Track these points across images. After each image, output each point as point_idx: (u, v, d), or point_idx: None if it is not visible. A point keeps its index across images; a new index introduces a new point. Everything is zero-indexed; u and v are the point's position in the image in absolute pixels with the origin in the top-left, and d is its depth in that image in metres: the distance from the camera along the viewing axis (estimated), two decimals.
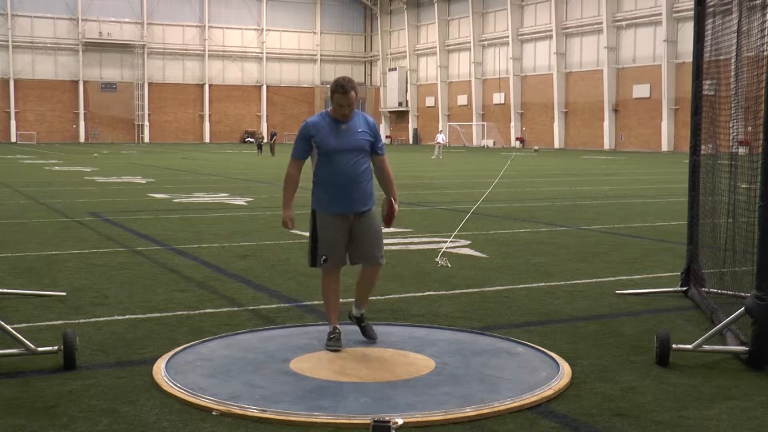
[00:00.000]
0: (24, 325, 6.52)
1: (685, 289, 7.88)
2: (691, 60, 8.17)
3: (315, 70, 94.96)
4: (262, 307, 7.40)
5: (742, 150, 6.98)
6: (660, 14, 63.09)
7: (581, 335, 6.40)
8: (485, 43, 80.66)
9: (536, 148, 68.79)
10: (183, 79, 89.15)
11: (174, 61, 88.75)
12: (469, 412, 4.58)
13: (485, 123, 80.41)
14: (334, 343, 5.85)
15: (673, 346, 5.61)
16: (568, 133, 72.67)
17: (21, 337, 5.51)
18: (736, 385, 5.18)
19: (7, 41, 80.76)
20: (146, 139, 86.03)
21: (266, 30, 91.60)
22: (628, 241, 12.00)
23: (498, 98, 79.06)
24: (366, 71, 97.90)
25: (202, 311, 7.16)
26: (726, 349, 5.82)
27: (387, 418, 4.21)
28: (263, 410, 4.57)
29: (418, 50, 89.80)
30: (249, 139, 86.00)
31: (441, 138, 51.52)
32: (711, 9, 7.61)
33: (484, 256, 10.45)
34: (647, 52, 64.97)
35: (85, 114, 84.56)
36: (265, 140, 55.50)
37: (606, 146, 67.78)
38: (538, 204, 17.99)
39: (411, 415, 4.52)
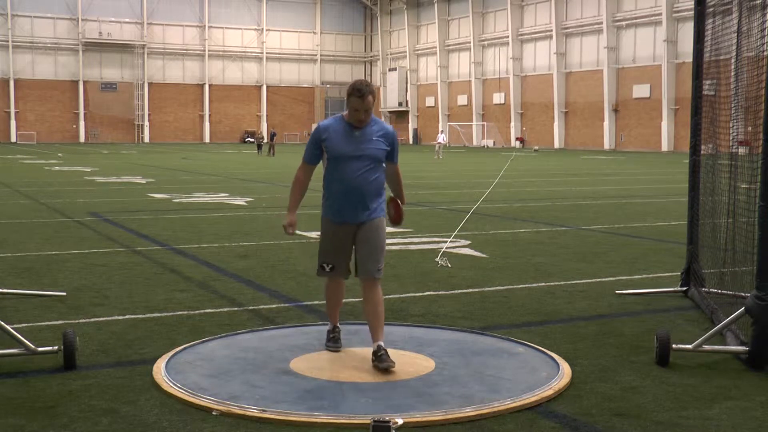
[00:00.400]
0: (24, 325, 6.52)
1: (685, 289, 7.88)
2: (691, 60, 8.17)
3: (315, 70, 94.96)
4: (262, 307, 7.40)
5: (742, 150, 6.98)
6: (660, 14, 63.10)
7: (581, 335, 6.40)
8: (485, 43, 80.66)
9: (536, 148, 68.81)
10: (183, 79, 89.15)
11: (174, 61, 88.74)
12: (469, 412, 4.58)
13: (485, 123, 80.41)
14: (332, 344, 5.80)
15: (673, 346, 5.61)
16: (568, 133, 72.67)
17: (21, 337, 5.51)
18: (736, 385, 5.18)
19: (7, 41, 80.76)
20: (146, 139, 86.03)
21: (266, 30, 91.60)
22: (628, 241, 12.00)
23: (498, 98, 79.06)
24: (366, 71, 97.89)
25: (202, 311, 7.16)
26: (726, 349, 5.82)
27: (387, 418, 4.21)
28: (263, 410, 4.57)
29: (418, 50, 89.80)
30: (249, 139, 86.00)
31: (442, 138, 51.55)
32: (711, 9, 7.61)
33: (484, 256, 10.45)
34: (647, 52, 64.98)
35: (85, 114, 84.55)
36: (265, 140, 55.47)
37: (606, 146, 67.78)
38: (538, 204, 17.99)
39: (411, 415, 4.52)
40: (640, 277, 9.06)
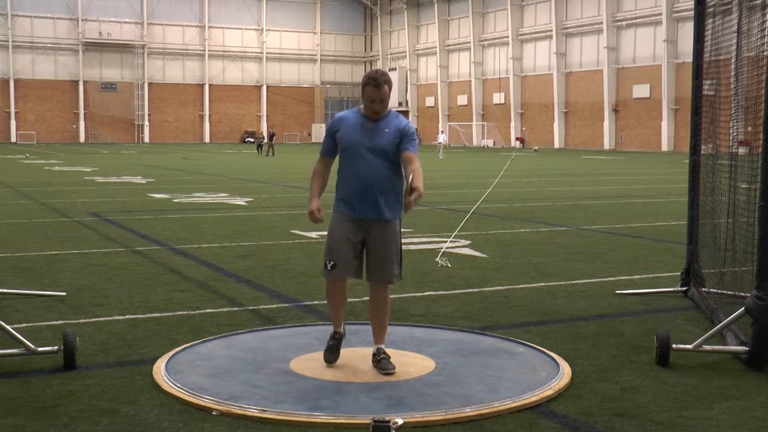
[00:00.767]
0: (24, 325, 6.52)
1: (685, 289, 7.88)
2: (691, 60, 8.17)
3: (315, 70, 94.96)
4: (262, 307, 7.40)
5: (742, 150, 6.98)
6: (660, 14, 63.11)
7: (581, 335, 6.40)
8: (485, 43, 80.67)
9: (536, 148, 68.82)
10: (183, 79, 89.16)
11: (174, 61, 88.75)
12: (469, 412, 4.58)
13: (485, 123, 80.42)
14: (328, 354, 5.42)
15: (673, 346, 5.61)
16: (568, 133, 72.68)
17: (21, 337, 5.51)
18: (736, 385, 5.18)
19: (7, 41, 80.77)
20: (146, 139, 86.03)
21: (266, 30, 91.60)
22: (628, 241, 12.00)
23: (498, 98, 79.07)
24: (366, 71, 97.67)
25: (202, 311, 7.16)
26: (726, 349, 5.82)
27: (387, 418, 4.21)
28: (263, 410, 4.57)
29: (418, 50, 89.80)
30: (249, 139, 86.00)
31: (443, 138, 51.60)
32: (711, 9, 7.61)
33: (484, 256, 10.45)
34: (647, 52, 64.99)
35: (85, 114, 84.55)
36: (265, 140, 55.47)
37: (606, 146, 67.79)
38: (538, 204, 17.99)
39: (411, 415, 4.52)
40: (640, 277, 9.06)
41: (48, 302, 7.46)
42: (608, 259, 10.26)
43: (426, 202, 17.61)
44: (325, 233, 5.46)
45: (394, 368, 5.27)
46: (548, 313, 7.24)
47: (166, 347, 5.90)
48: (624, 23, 67.14)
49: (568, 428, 4.42)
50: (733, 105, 7.15)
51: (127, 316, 6.93)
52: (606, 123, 67.98)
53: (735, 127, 7.06)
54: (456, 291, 8.16)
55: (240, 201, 18.35)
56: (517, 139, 76.23)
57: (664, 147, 62.76)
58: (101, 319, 6.84)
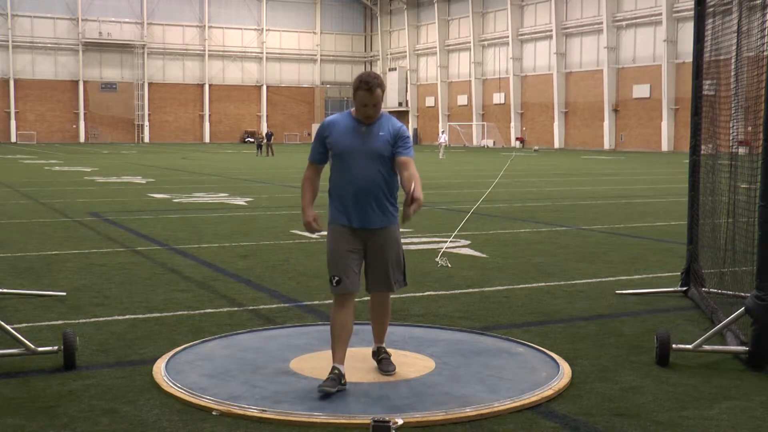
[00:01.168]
0: (24, 325, 6.52)
1: (685, 289, 7.88)
2: (691, 60, 8.17)
3: (315, 70, 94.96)
4: (262, 307, 7.40)
5: (742, 150, 6.98)
6: (660, 14, 63.10)
7: (581, 335, 6.40)
8: (485, 43, 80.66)
9: (536, 148, 68.81)
10: (183, 79, 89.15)
11: (174, 61, 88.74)
12: (469, 412, 4.58)
13: (485, 123, 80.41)
14: (325, 384, 4.88)
15: (673, 346, 5.61)
16: (568, 133, 72.67)
17: (21, 337, 5.51)
18: (736, 385, 5.18)
19: (7, 41, 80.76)
20: (146, 139, 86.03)
21: (266, 30, 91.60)
22: (628, 241, 12.00)
23: (498, 98, 79.06)
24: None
25: (202, 311, 7.16)
26: (726, 349, 5.82)
27: (387, 418, 4.21)
28: (263, 410, 4.57)
29: (418, 50, 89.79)
30: (249, 139, 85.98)
31: (444, 138, 51.65)
32: (711, 9, 7.61)
33: (484, 256, 10.45)
34: (647, 52, 64.98)
35: (85, 114, 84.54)
36: (264, 141, 55.45)
37: (606, 146, 67.78)
38: (538, 204, 17.99)
39: (411, 415, 4.52)
40: (640, 277, 9.06)
41: (48, 302, 7.47)
42: (608, 259, 10.26)
43: (426, 202, 17.57)
44: (326, 233, 5.23)
45: (395, 368, 5.25)
46: (548, 313, 7.24)
47: (166, 347, 5.90)
48: (624, 23, 67.13)
49: (568, 428, 4.42)
50: (733, 105, 7.15)
51: (127, 316, 6.93)
52: (606, 123, 67.97)
53: (735, 127, 7.06)
54: (456, 291, 8.16)
55: (240, 201, 18.36)
56: (517, 139, 76.23)
57: (664, 147, 62.76)
58: (101, 319, 6.84)
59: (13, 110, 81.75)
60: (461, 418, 4.51)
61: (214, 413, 4.58)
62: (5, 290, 7.78)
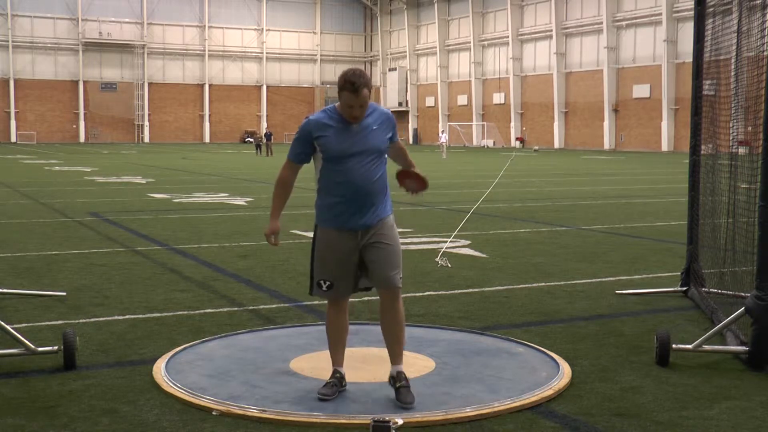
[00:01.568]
0: (24, 325, 6.52)
1: (685, 289, 7.88)
2: (691, 60, 8.17)
3: (315, 70, 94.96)
4: (262, 307, 7.39)
5: (742, 150, 6.98)
6: (660, 14, 63.09)
7: (581, 335, 6.40)
8: (485, 43, 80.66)
9: (536, 148, 68.81)
10: (183, 79, 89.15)
11: (174, 61, 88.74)
12: (469, 412, 4.58)
13: (485, 123, 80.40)
14: (324, 390, 4.81)
15: (673, 346, 5.61)
16: (568, 133, 72.67)
17: (21, 337, 5.51)
18: (736, 385, 5.18)
19: (7, 41, 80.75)
20: (146, 139, 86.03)
21: (266, 30, 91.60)
22: (628, 241, 12.00)
23: (498, 98, 79.05)
24: (366, 71, 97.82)
25: (202, 311, 7.16)
26: (726, 349, 5.82)
27: (387, 418, 4.21)
28: (263, 410, 4.57)
29: (418, 50, 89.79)
30: (249, 139, 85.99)
31: (444, 138, 51.69)
32: (711, 9, 7.61)
33: (484, 256, 10.45)
34: (647, 52, 64.97)
35: (85, 114, 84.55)
36: (263, 141, 55.47)
37: (606, 146, 67.78)
38: (538, 204, 17.99)
39: (411, 415, 4.52)
40: (640, 277, 9.06)
41: (48, 302, 7.46)
42: (608, 259, 10.26)
43: (426, 202, 17.61)
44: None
45: (414, 400, 4.68)
46: (548, 313, 7.24)
47: (166, 347, 5.90)
48: (624, 23, 67.12)
49: (568, 428, 4.42)
50: (733, 105, 7.15)
51: (127, 316, 6.93)
52: (606, 123, 67.96)
53: (735, 127, 7.06)
54: (456, 291, 8.16)
55: (240, 201, 18.35)
56: (517, 139, 76.22)
57: (664, 147, 62.75)
58: (101, 319, 6.84)
59: (13, 110, 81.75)
60: (461, 418, 4.51)
61: (214, 413, 4.57)
62: (5, 290, 7.78)
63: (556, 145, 72.39)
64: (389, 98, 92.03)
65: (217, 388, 4.96)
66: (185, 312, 7.12)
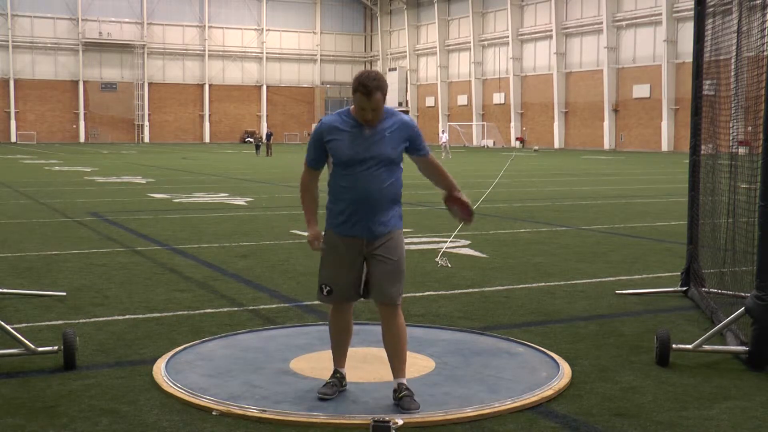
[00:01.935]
0: (24, 325, 6.52)
1: (685, 289, 7.88)
2: (691, 60, 8.17)
3: (315, 70, 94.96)
4: (262, 307, 7.40)
5: (742, 150, 6.98)
6: (660, 14, 63.10)
7: (581, 335, 6.40)
8: (485, 43, 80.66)
9: (536, 148, 68.81)
10: (183, 79, 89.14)
11: (174, 61, 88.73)
12: (469, 412, 4.58)
13: (485, 123, 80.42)
14: (325, 390, 4.83)
15: (673, 346, 5.61)
16: (568, 133, 72.68)
17: (21, 337, 5.51)
18: (736, 385, 5.18)
19: (7, 41, 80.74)
20: (146, 139, 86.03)
21: (266, 30, 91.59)
22: (628, 241, 12.00)
23: (498, 98, 79.07)
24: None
25: (202, 311, 7.16)
26: (726, 349, 5.82)
27: (387, 418, 4.22)
28: (263, 410, 4.57)
29: (418, 50, 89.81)
30: (249, 139, 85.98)
31: (445, 137, 51.73)
32: (711, 9, 7.61)
33: (484, 256, 10.45)
34: (647, 52, 64.99)
35: (85, 114, 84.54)
36: (263, 141, 55.48)
37: (606, 146, 67.79)
38: (538, 204, 17.99)
39: (411, 415, 4.52)
40: (640, 277, 9.06)
41: (48, 302, 7.47)
42: (608, 259, 10.26)
43: (426, 202, 17.61)
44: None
45: (419, 407, 4.62)
46: (548, 313, 7.24)
47: (166, 347, 5.90)
48: (624, 23, 67.13)
49: (568, 428, 4.42)
50: (733, 105, 7.15)
51: (127, 316, 6.93)
52: (606, 123, 67.98)
53: (735, 127, 7.06)
54: (456, 291, 8.16)
55: (240, 201, 18.35)
56: (517, 139, 76.23)
57: (664, 147, 62.76)
58: (101, 319, 6.84)
59: (13, 110, 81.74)
60: (461, 418, 4.51)
61: (214, 413, 4.57)
62: (5, 290, 7.78)
63: (556, 145, 72.39)
64: (389, 98, 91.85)
65: (217, 388, 4.96)
66: (185, 312, 7.12)
